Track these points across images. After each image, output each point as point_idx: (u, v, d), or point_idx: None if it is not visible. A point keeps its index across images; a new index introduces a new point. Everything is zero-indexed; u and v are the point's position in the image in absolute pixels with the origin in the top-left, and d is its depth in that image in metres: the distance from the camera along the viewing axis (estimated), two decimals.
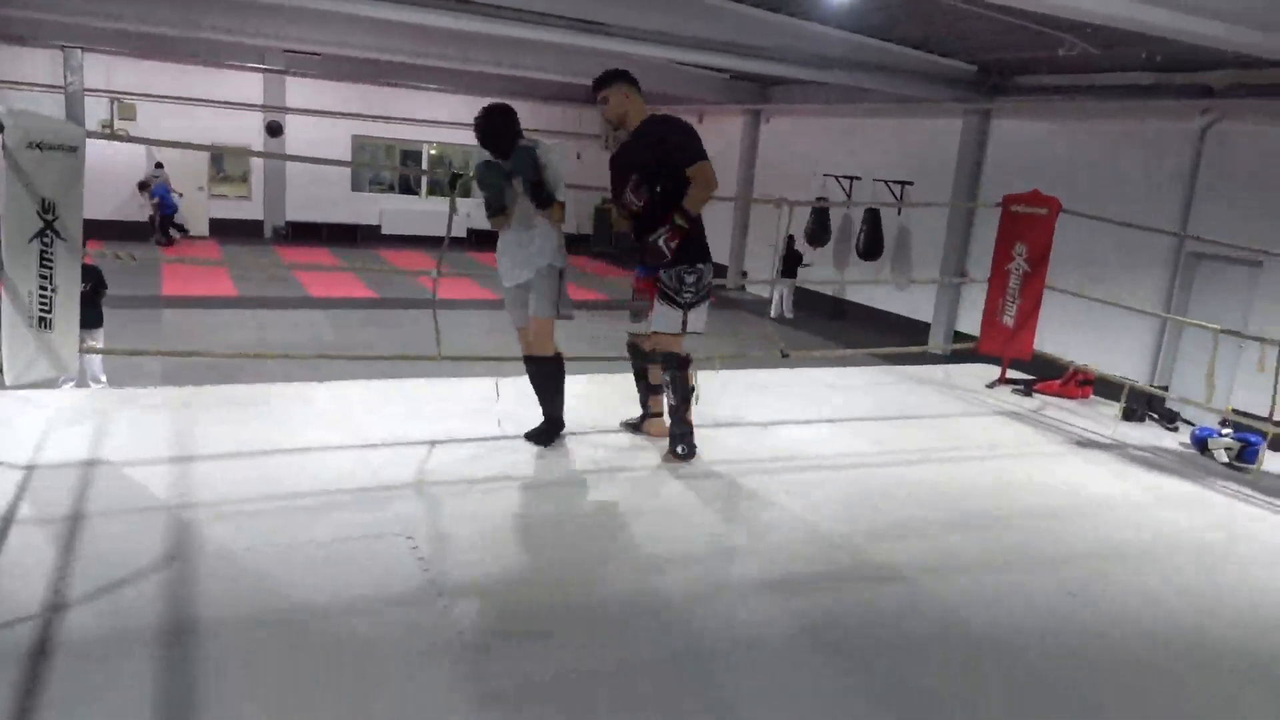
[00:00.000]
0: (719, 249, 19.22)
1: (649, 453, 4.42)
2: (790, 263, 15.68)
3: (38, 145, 3.42)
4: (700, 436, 4.40)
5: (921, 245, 14.61)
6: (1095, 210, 7.30)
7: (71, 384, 6.69)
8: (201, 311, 12.80)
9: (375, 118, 21.31)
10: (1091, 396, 6.21)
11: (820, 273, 16.05)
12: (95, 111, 18.93)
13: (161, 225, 19.04)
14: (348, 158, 21.40)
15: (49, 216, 3.52)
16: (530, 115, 22.27)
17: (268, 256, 18.62)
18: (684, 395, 4.28)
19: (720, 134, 19.60)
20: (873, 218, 14.96)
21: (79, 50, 17.38)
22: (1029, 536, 3.82)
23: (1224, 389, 9.48)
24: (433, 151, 22.93)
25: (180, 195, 19.47)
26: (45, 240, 3.54)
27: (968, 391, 6.19)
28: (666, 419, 4.41)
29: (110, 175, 17.95)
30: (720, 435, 4.70)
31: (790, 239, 15.64)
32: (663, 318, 4.26)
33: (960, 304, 13.72)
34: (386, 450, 4.14)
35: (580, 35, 10.66)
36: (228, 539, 3.17)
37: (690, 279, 4.20)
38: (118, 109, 19.23)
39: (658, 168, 4.08)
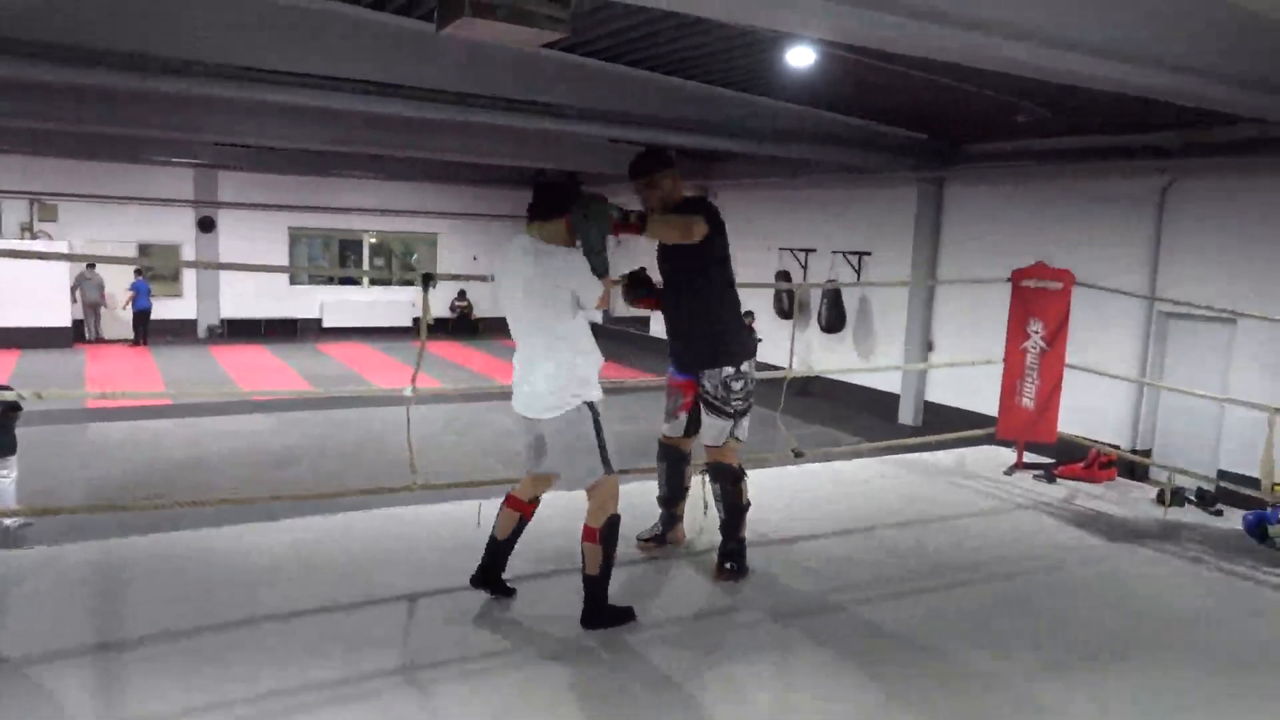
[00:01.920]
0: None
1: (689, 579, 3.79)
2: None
3: None
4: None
5: (884, 315, 14.36)
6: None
7: None
8: (130, 424, 11.85)
9: (311, 208, 20.72)
10: (1117, 478, 5.77)
11: (780, 347, 15.67)
12: (13, 213, 18.03)
13: (136, 323, 18.41)
14: (284, 249, 20.71)
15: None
16: (471, 200, 21.96)
17: (202, 357, 17.66)
18: (738, 510, 3.90)
19: None
20: (834, 292, 14.71)
21: None
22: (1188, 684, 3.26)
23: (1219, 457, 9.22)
24: (373, 240, 22.36)
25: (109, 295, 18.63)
26: None
27: (989, 481, 5.70)
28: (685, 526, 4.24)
29: (30, 279, 16.93)
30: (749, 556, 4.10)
31: (749, 314, 15.29)
32: (711, 430, 3.90)
33: (928, 375, 13.44)
34: (361, 613, 3.44)
35: (522, 117, 10.27)
36: None
37: (738, 386, 3.85)
38: (38, 210, 18.33)
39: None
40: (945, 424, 10.63)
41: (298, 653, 3.10)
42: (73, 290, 18.27)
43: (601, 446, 3.37)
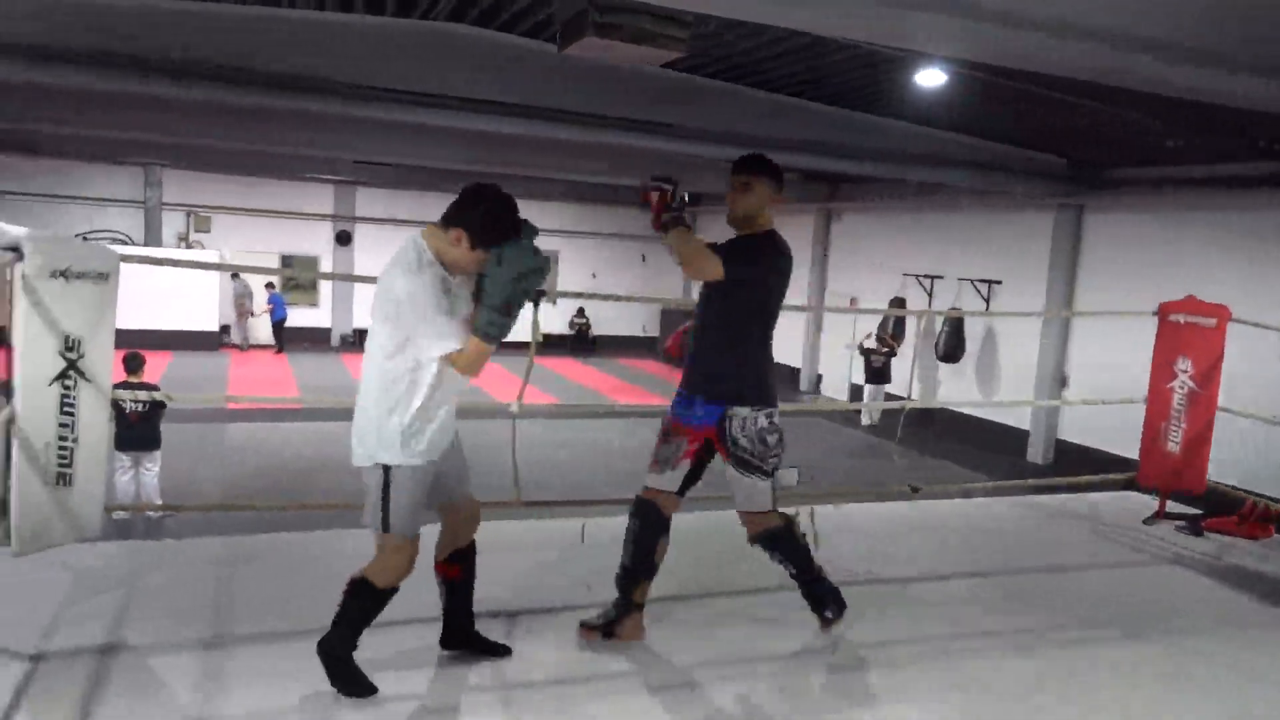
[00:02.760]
0: (793, 352, 18.59)
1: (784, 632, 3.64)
2: (882, 368, 14.80)
3: (63, 274, 2.92)
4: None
5: (1013, 347, 13.70)
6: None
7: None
8: (265, 425, 12.46)
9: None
10: (1275, 535, 5.26)
11: (899, 375, 15.15)
12: (173, 224, 19.35)
13: (275, 331, 19.45)
14: None
15: (73, 355, 3.00)
16: (594, 218, 22.27)
17: (334, 364, 18.47)
18: (804, 559, 3.40)
19: (787, 233, 19.16)
20: (955, 319, 14.15)
21: (159, 167, 17.81)
22: None
23: None
24: None
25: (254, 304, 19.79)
26: (68, 383, 3.01)
27: (1127, 530, 5.29)
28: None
29: (183, 286, 18.10)
30: (854, 599, 3.91)
31: (882, 340, 14.86)
32: (751, 494, 3.28)
33: (1060, 411, 12.73)
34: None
35: (645, 138, 10.31)
36: None
37: (773, 439, 3.25)
38: (194, 221, 19.63)
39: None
40: (1078, 465, 10.03)
41: (399, 660, 3.11)
42: (236, 299, 19.45)
43: (385, 506, 2.76)
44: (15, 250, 2.85)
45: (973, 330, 14.12)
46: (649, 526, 3.33)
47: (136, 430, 7.79)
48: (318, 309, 21.29)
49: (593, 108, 9.29)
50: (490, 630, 3.28)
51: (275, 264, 19.83)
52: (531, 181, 18.79)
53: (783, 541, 3.37)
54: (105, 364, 3.15)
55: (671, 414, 3.38)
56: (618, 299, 5.59)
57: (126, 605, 3.47)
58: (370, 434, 2.78)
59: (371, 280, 2.98)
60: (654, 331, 23.29)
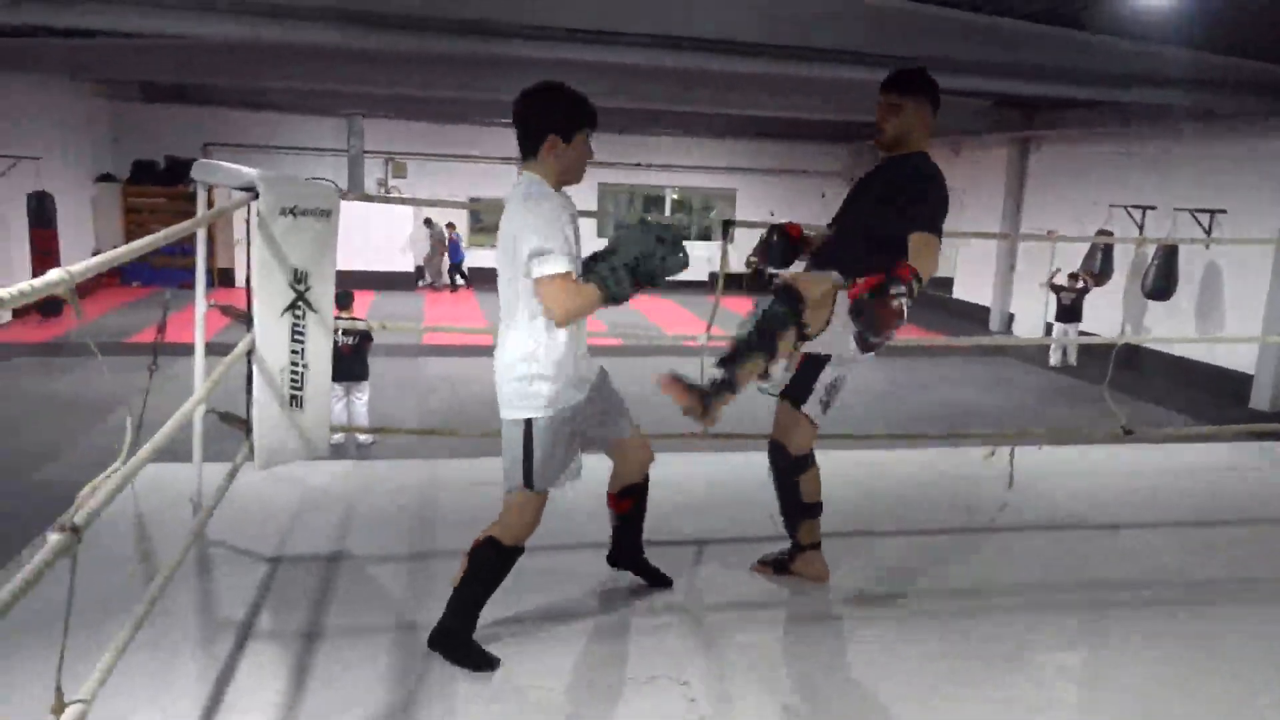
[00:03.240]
0: (983, 290, 17.65)
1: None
2: (1073, 306, 13.83)
3: (291, 211, 3.16)
4: (1038, 540, 3.46)
5: (1238, 282, 12.40)
6: None
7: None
8: (456, 359, 13.16)
9: (618, 165, 21.63)
10: None
11: (1107, 315, 14.05)
12: (372, 171, 20.55)
13: (451, 272, 20.53)
14: (594, 205, 21.86)
15: (301, 288, 3.26)
16: (770, 154, 21.81)
17: None
18: (804, 507, 3.21)
19: (980, 167, 18.13)
20: (1168, 252, 12.92)
21: (359, 116, 18.88)
22: None
23: None
24: (674, 196, 22.97)
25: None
26: (297, 313, 3.28)
27: None
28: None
29: (380, 228, 19.23)
30: (1066, 540, 3.73)
31: (1074, 277, 13.85)
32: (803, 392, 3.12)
33: None
34: (654, 551, 3.53)
35: (828, 67, 9.90)
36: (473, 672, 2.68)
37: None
38: (391, 168, 20.76)
39: (891, 210, 2.97)
40: None
41: (581, 582, 3.24)
42: (435, 242, 20.54)
43: (528, 461, 2.63)
44: (250, 189, 3.11)
45: (1190, 266, 12.88)
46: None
47: (347, 362, 8.42)
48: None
49: (785, 39, 9.02)
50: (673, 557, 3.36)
51: (465, 206, 20.68)
52: (710, 119, 18.65)
53: (802, 469, 3.18)
54: (328, 296, 3.40)
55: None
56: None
57: (349, 519, 3.80)
58: (508, 386, 2.65)
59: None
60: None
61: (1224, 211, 12.51)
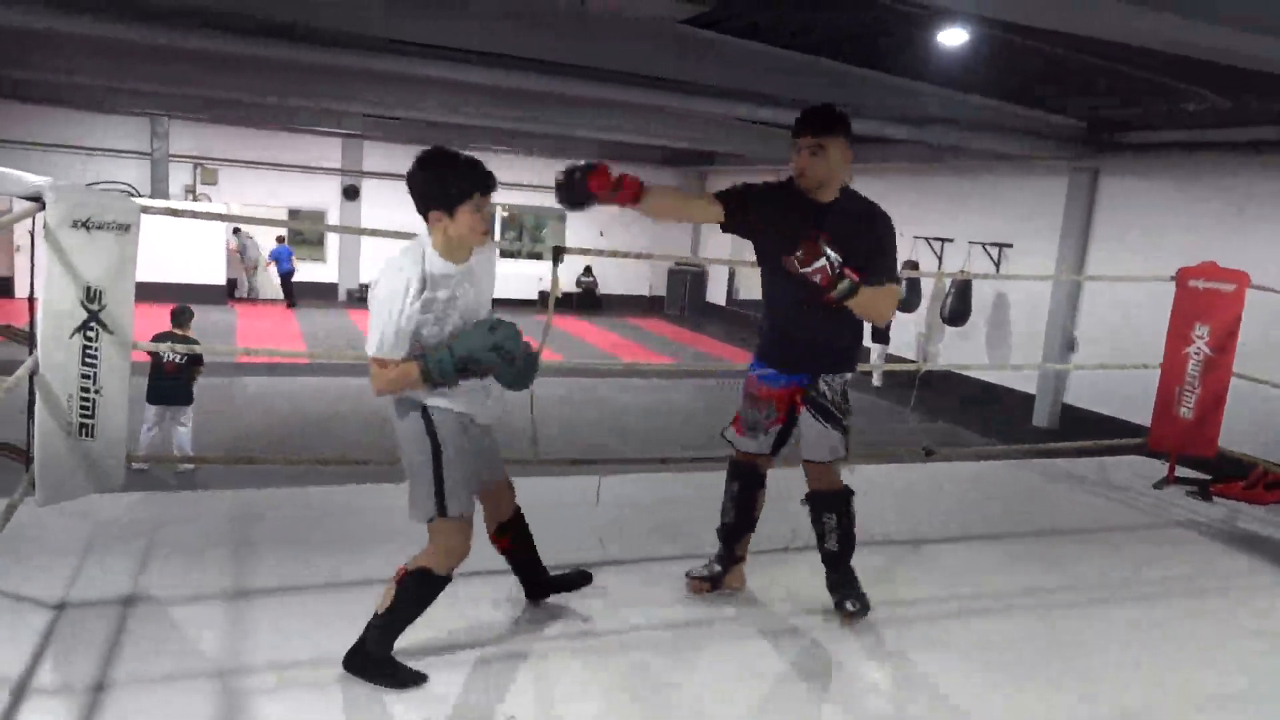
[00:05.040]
0: None
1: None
2: (883, 329, 14.76)
3: (84, 224, 2.91)
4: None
5: (1022, 311, 13.65)
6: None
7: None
8: (275, 379, 12.50)
9: None
10: None
11: (906, 339, 15.09)
12: (179, 176, 19.23)
13: (284, 288, 19.55)
14: (422, 219, 21.38)
15: (94, 306, 3.01)
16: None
17: (341, 319, 18.46)
18: (850, 537, 3.32)
19: None
20: (963, 282, 14.06)
21: (165, 118, 17.66)
22: None
23: None
24: (504, 214, 22.81)
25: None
26: (89, 334, 3.02)
27: (1137, 495, 5.31)
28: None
29: (190, 239, 18.02)
30: (872, 555, 3.94)
31: None
32: (824, 442, 3.17)
33: (1067, 376, 12.71)
34: (478, 582, 3.46)
35: (662, 95, 10.19)
36: None
37: (849, 395, 3.27)
38: (200, 174, 19.49)
39: (853, 260, 2.95)
40: (1084, 430, 10.05)
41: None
42: (240, 251, 19.38)
43: (438, 477, 2.65)
44: (36, 199, 2.85)
45: (981, 295, 14.06)
46: (748, 486, 3.40)
47: (169, 383, 7.82)
48: (324, 264, 21.23)
49: (610, 63, 9.15)
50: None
51: (283, 217, 19.73)
52: (541, 139, 18.66)
53: (842, 505, 3.28)
54: (127, 315, 3.15)
55: (759, 380, 3.30)
56: (625, 256, 5.53)
57: (148, 555, 3.51)
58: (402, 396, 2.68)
59: (379, 234, 2.97)
60: (661, 291, 23.25)
61: (1010, 245, 13.75)
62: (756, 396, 3.29)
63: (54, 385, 2.94)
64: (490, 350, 2.59)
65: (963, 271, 13.58)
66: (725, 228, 3.14)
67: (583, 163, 2.88)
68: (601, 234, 22.19)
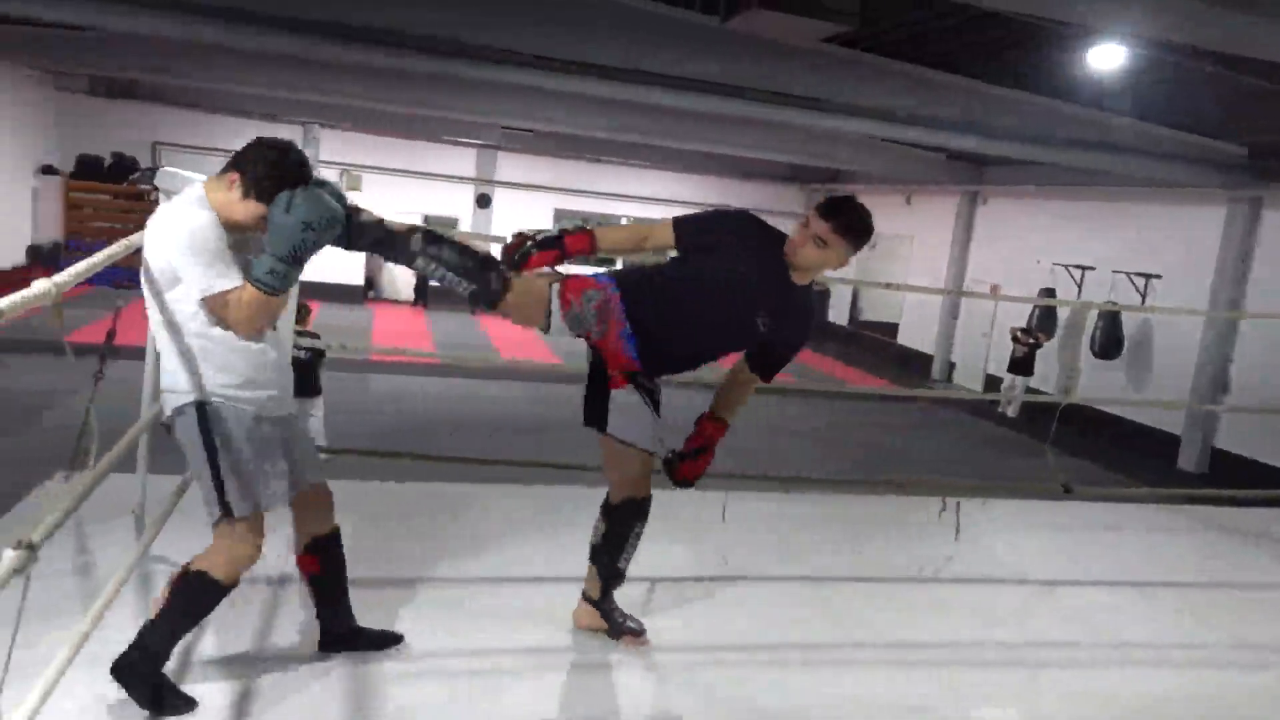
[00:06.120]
0: (925, 337, 18.06)
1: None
2: (1026, 359, 14.15)
3: None
4: (975, 593, 3.54)
5: (1169, 347, 12.89)
6: None
7: None
8: (405, 378, 13.01)
9: (577, 191, 21.72)
10: None
11: (1046, 369, 14.46)
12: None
13: (418, 289, 20.38)
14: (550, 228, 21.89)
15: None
16: (724, 192, 22.13)
17: (470, 324, 19.06)
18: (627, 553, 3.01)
19: (930, 215, 18.61)
20: (1111, 313, 13.37)
21: (317, 125, 18.69)
22: None
23: None
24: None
25: None
26: None
27: None
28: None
29: None
30: (1002, 594, 3.81)
31: (1026, 331, 14.22)
32: (635, 425, 2.89)
33: (1219, 418, 11.92)
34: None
35: (796, 113, 10.14)
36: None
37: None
38: (346, 179, 20.52)
39: (768, 341, 2.89)
40: (1236, 477, 9.42)
41: (516, 616, 3.21)
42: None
43: (215, 474, 2.40)
44: None
45: (1130, 326, 13.35)
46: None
47: (298, 375, 8.23)
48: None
49: (745, 81, 9.18)
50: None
51: (418, 222, 20.54)
52: (670, 152, 18.88)
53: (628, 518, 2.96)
54: (287, 309, 3.34)
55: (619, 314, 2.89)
56: None
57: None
58: (175, 393, 2.43)
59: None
60: None
61: (1159, 276, 13.02)
62: (606, 315, 2.82)
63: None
64: (309, 228, 2.30)
65: (1110, 303, 12.94)
66: (679, 245, 2.91)
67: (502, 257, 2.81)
68: None
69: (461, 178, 21.20)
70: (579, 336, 2.86)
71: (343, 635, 2.81)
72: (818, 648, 3.27)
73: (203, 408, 2.39)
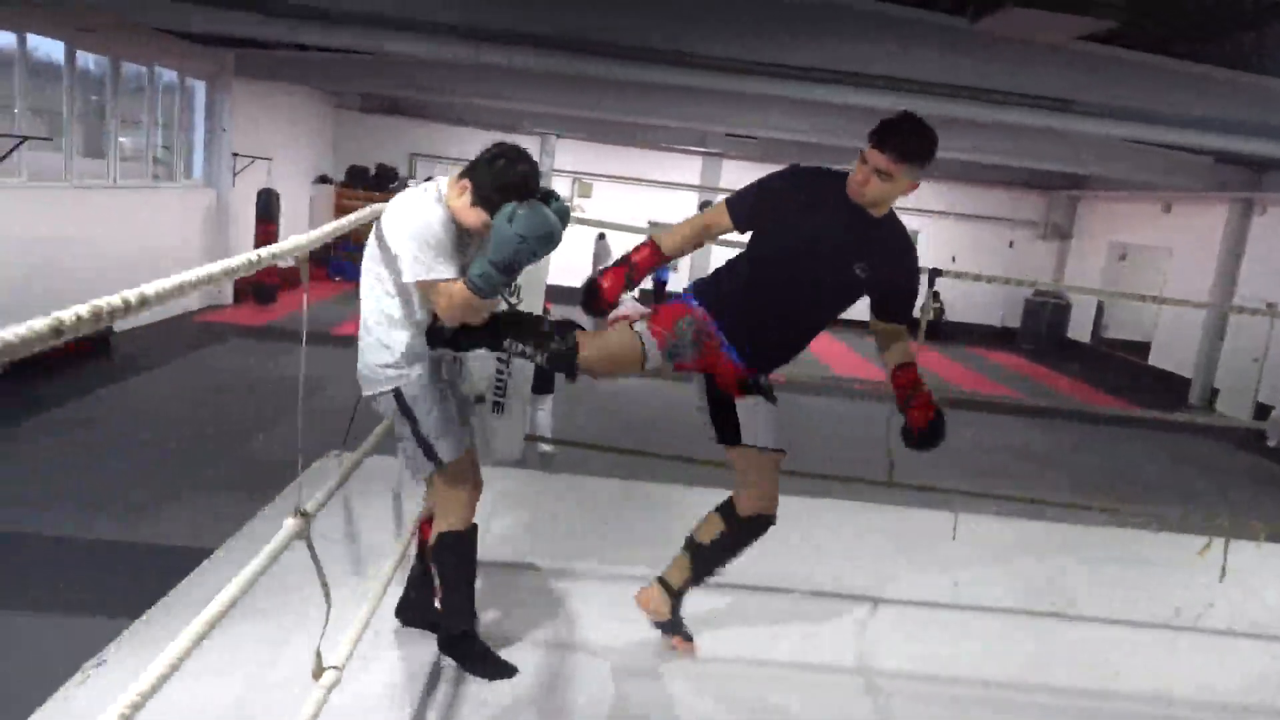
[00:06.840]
0: (1184, 359, 16.39)
1: None
2: None
3: None
4: (1243, 648, 3.17)
5: None
6: None
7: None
8: (622, 381, 13.40)
9: None
10: None
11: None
12: (560, 189, 21.38)
13: (655, 292, 21.17)
14: None
15: (514, 300, 3.45)
16: (956, 198, 21.16)
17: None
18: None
19: (1193, 226, 16.88)
20: None
21: (553, 135, 19.71)
22: None
23: None
24: None
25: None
26: None
27: None
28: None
29: (563, 246, 19.90)
30: (1275, 650, 3.41)
31: None
32: (765, 428, 2.83)
33: None
34: (825, 602, 3.46)
35: (1042, 115, 9.49)
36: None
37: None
38: (578, 187, 21.51)
39: (884, 291, 2.78)
40: None
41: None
42: (595, 257, 21.17)
43: (419, 434, 2.58)
44: None
45: None
46: None
47: (537, 373, 8.71)
48: (676, 273, 22.44)
49: (997, 84, 8.72)
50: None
51: (643, 227, 21.15)
52: None
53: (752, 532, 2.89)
54: (536, 307, 3.56)
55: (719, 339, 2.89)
56: (977, 278, 5.24)
57: (534, 527, 3.94)
58: (372, 369, 2.64)
59: (729, 245, 3.07)
60: (1013, 322, 21.69)
61: None
62: (702, 337, 2.79)
63: (475, 366, 3.42)
64: (527, 241, 2.43)
65: None
66: (740, 226, 2.87)
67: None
68: (954, 259, 21.21)
69: (687, 185, 21.63)
70: (678, 368, 2.83)
71: (423, 608, 2.89)
72: (1063, 693, 3.06)
73: (400, 397, 2.59)
